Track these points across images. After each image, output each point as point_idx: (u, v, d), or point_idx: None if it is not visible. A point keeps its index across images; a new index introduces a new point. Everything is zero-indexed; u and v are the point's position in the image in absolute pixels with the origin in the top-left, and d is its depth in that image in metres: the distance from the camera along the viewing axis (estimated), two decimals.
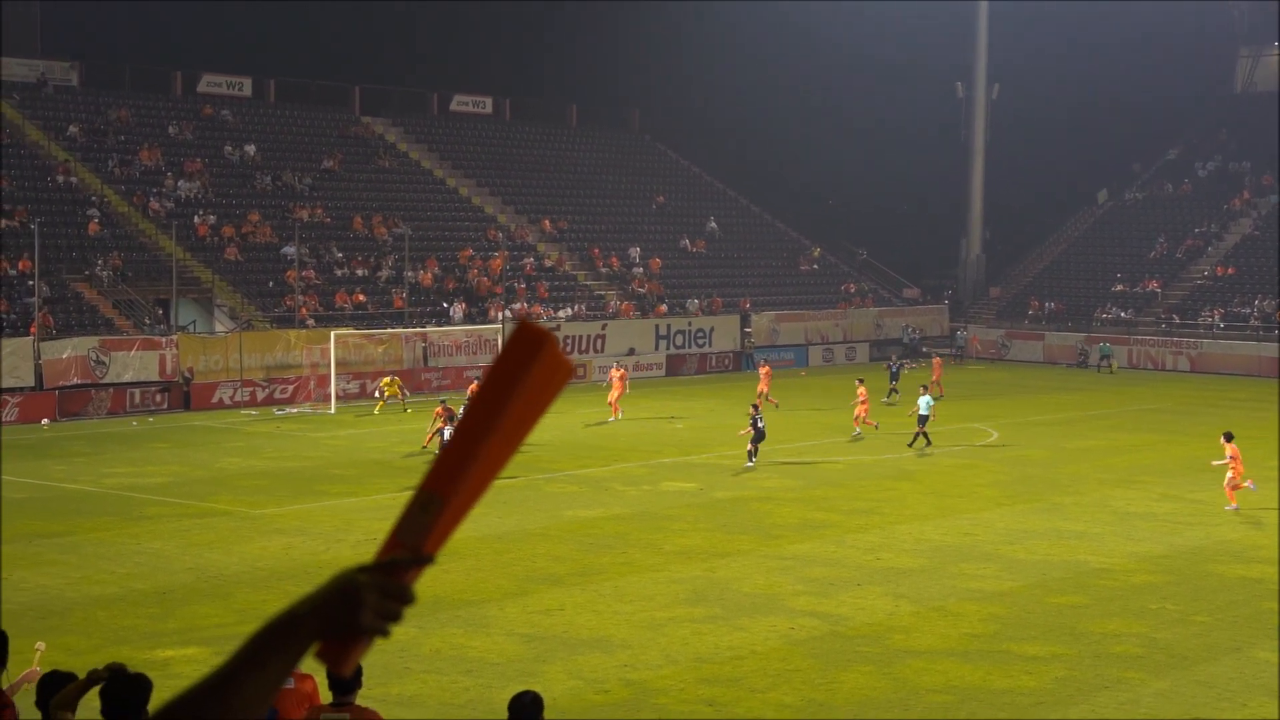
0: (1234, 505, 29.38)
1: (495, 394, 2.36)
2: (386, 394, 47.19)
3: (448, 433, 34.21)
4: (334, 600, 2.32)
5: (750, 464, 35.34)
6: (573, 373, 2.41)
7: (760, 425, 35.48)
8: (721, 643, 19.65)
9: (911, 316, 73.71)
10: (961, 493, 32.35)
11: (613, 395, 44.62)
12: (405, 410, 46.54)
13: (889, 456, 37.85)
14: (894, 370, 53.13)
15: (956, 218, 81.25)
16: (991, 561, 24.95)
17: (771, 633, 20.19)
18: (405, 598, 2.34)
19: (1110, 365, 64.14)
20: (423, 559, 2.37)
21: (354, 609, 2.30)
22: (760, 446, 35.62)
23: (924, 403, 38.67)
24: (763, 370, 49.22)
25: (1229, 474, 29.46)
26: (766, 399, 45.58)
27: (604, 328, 61.30)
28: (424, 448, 38.02)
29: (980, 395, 54.58)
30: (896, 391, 51.12)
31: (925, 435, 38.76)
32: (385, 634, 2.31)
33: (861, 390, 41.39)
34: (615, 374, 46.11)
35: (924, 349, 71.01)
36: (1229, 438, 29.89)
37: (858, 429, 41.29)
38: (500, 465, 2.37)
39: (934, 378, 51.26)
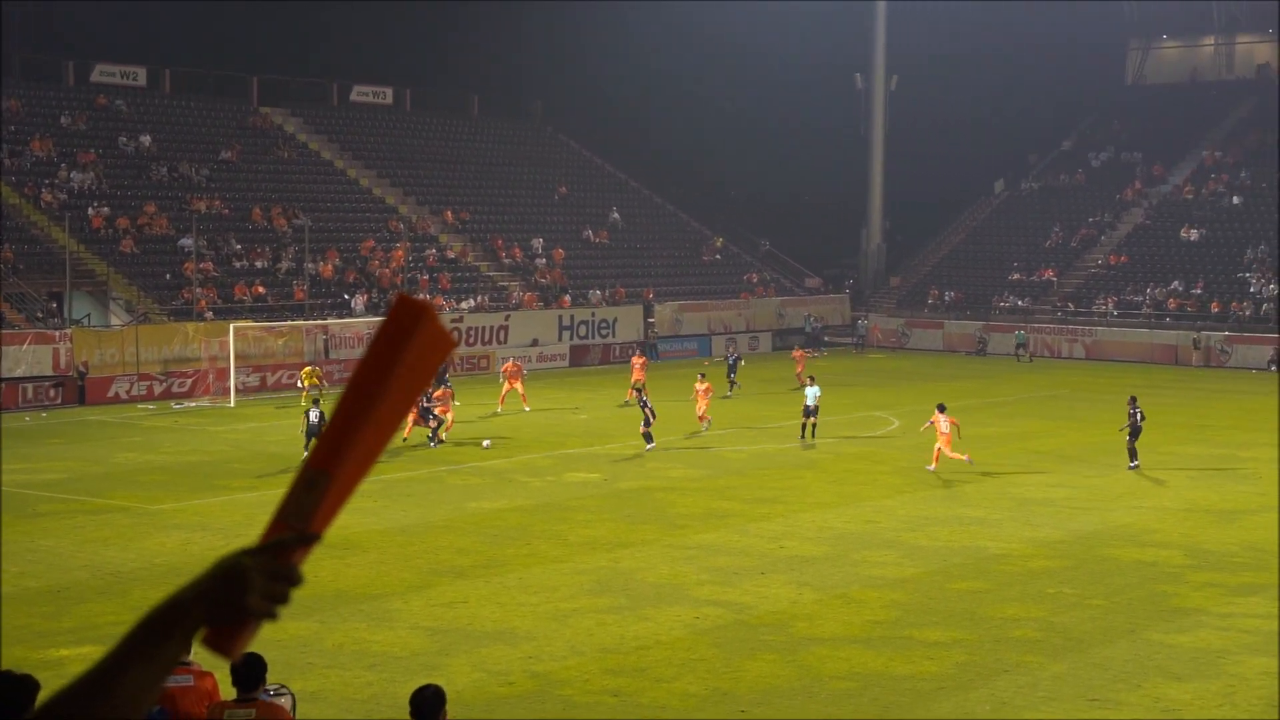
0: (933, 467, 33.24)
1: (377, 368, 2.33)
2: (306, 384, 46.45)
3: (314, 415, 33.96)
4: (219, 584, 2.27)
5: (650, 446, 35.90)
6: (453, 344, 2.39)
7: (650, 407, 36.27)
8: (626, 633, 19.64)
9: (813, 306, 74.24)
10: (863, 481, 32.61)
11: (505, 390, 44.40)
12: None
13: (791, 445, 38.05)
14: (731, 362, 52.55)
15: (857, 208, 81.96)
16: (893, 549, 25.17)
17: (676, 622, 20.21)
18: (293, 579, 2.29)
19: (1027, 354, 64.86)
20: (309, 537, 2.32)
21: (240, 592, 2.25)
22: (652, 432, 36.12)
23: (811, 394, 38.25)
24: (636, 361, 48.43)
25: (939, 444, 33.17)
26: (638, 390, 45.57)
27: (507, 319, 61.08)
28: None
29: (881, 384, 55.09)
30: (736, 384, 50.60)
31: (812, 428, 38.19)
32: (273, 617, 2.27)
33: (703, 385, 40.20)
34: (508, 367, 45.87)
35: (826, 338, 71.60)
36: (942, 408, 33.63)
37: (703, 425, 39.93)
38: (385, 439, 2.36)
39: (797, 370, 51.13)
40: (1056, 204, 79.02)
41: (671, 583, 22.56)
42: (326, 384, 46.59)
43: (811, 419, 38.11)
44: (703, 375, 41.73)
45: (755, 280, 74.82)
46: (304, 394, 45.92)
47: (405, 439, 36.74)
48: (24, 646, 18.61)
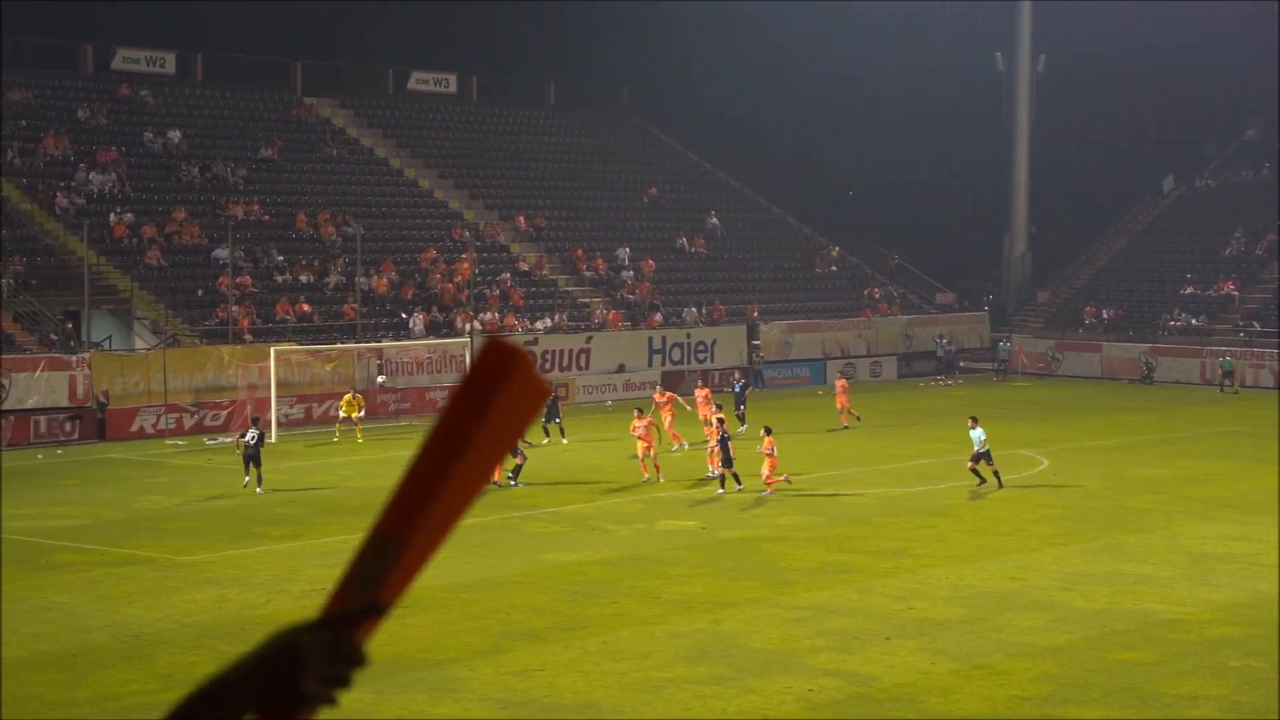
0: (769, 492, 35.90)
1: (461, 420, 2.36)
2: (345, 414, 46.97)
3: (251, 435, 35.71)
4: (271, 664, 2.28)
5: (719, 480, 36.75)
6: (548, 395, 2.42)
7: (725, 439, 36.69)
8: (729, 707, 19.59)
9: (946, 325, 73.79)
10: (1007, 531, 32.31)
11: (666, 422, 44.05)
12: (358, 439, 46.34)
13: (922, 488, 37.83)
14: (738, 391, 51.38)
15: (997, 211, 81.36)
16: (1043, 611, 24.91)
17: (787, 695, 20.13)
18: (356, 659, 2.30)
19: (1234, 384, 63.33)
20: (376, 609, 2.34)
21: (295, 674, 2.26)
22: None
23: (977, 436, 37.43)
24: (699, 394, 47.55)
25: (766, 468, 35.68)
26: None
27: (589, 341, 61.28)
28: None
29: (1027, 417, 54.58)
30: (743, 421, 48.71)
31: (996, 473, 37.29)
32: (333, 703, 2.28)
33: (641, 420, 39.23)
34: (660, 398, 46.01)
35: (961, 363, 71.14)
36: (768, 431, 36.10)
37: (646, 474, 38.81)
38: (467, 503, 2.38)
39: (839, 405, 50.38)
40: (1238, 204, 77.97)
41: (781, 649, 22.48)
42: (363, 413, 47.06)
43: (990, 465, 37.06)
44: (639, 411, 40.59)
45: (878, 296, 74.55)
46: (337, 425, 46.66)
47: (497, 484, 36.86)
48: (37, 718, 18.91)
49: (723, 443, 36.78)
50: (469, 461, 2.33)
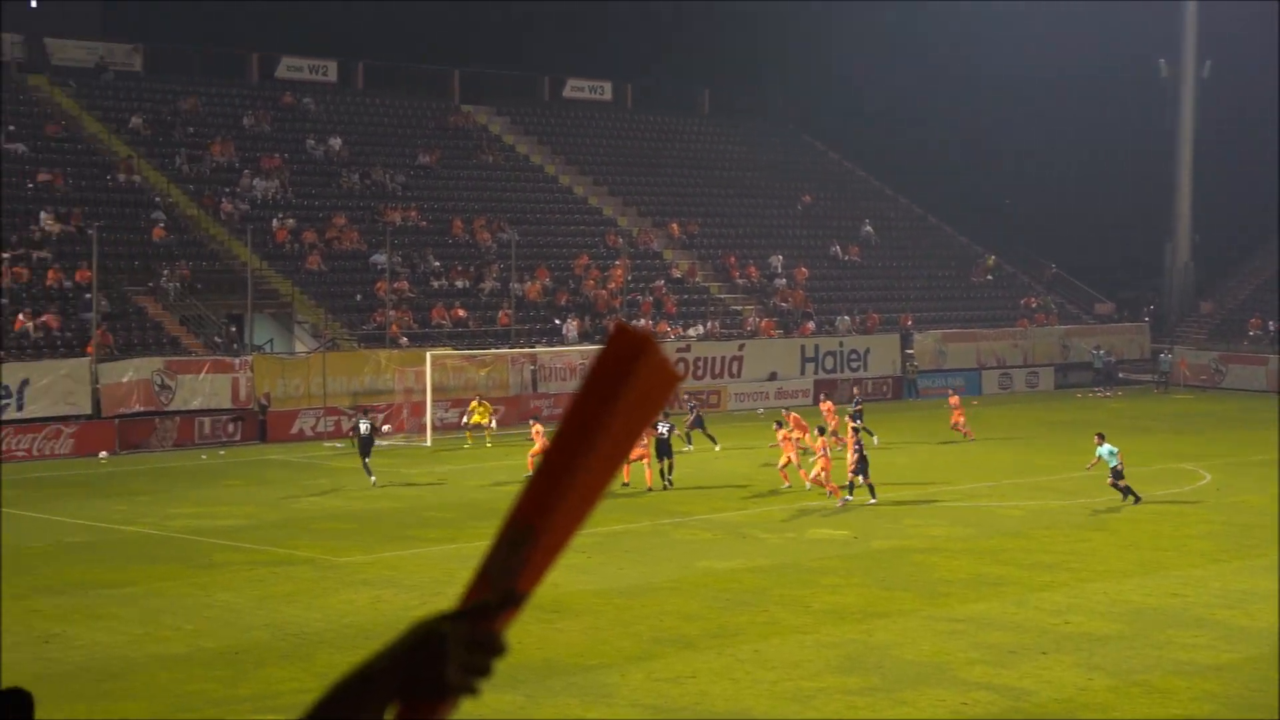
0: (788, 484, 37.63)
1: (592, 408, 2.37)
2: (474, 420, 47.44)
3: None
4: (413, 655, 2.31)
5: (849, 498, 35.98)
6: (678, 379, 2.40)
7: (860, 455, 36.04)
8: (881, 719, 19.44)
9: (1104, 336, 72.60)
10: (1168, 546, 31.73)
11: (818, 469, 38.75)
12: (486, 444, 46.71)
13: (1079, 502, 37.26)
14: (854, 411, 47.06)
15: (1159, 219, 79.93)
16: (1206, 628, 24.40)
17: (940, 708, 19.93)
18: (496, 647, 2.32)
19: None
20: (514, 598, 2.36)
21: (437, 664, 2.29)
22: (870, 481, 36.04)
23: (1106, 452, 36.42)
24: (825, 406, 47.20)
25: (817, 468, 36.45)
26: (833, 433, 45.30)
27: (741, 348, 61.18)
28: None
29: (1189, 430, 53.57)
30: (709, 439, 46.68)
31: (1127, 489, 36.51)
32: (474, 692, 2.30)
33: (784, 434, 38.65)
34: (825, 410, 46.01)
35: (1121, 374, 69.97)
36: (821, 431, 37.82)
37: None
38: (600, 491, 2.40)
39: (953, 420, 48.76)
40: None
41: (934, 661, 22.27)
42: (494, 423, 47.33)
43: (1122, 482, 36.28)
44: (779, 424, 39.72)
45: (1035, 305, 73.59)
46: (467, 433, 46.95)
47: (625, 484, 37.09)
48: (198, 715, 19.32)
49: (859, 452, 36.31)
50: (601, 450, 2.34)
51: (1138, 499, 36.05)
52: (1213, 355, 70.62)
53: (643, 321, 60.37)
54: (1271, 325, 71.62)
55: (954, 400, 50.16)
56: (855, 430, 37.83)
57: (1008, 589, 27.23)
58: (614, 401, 2.34)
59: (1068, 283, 78.31)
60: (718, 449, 45.78)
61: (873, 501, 35.89)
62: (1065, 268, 78.84)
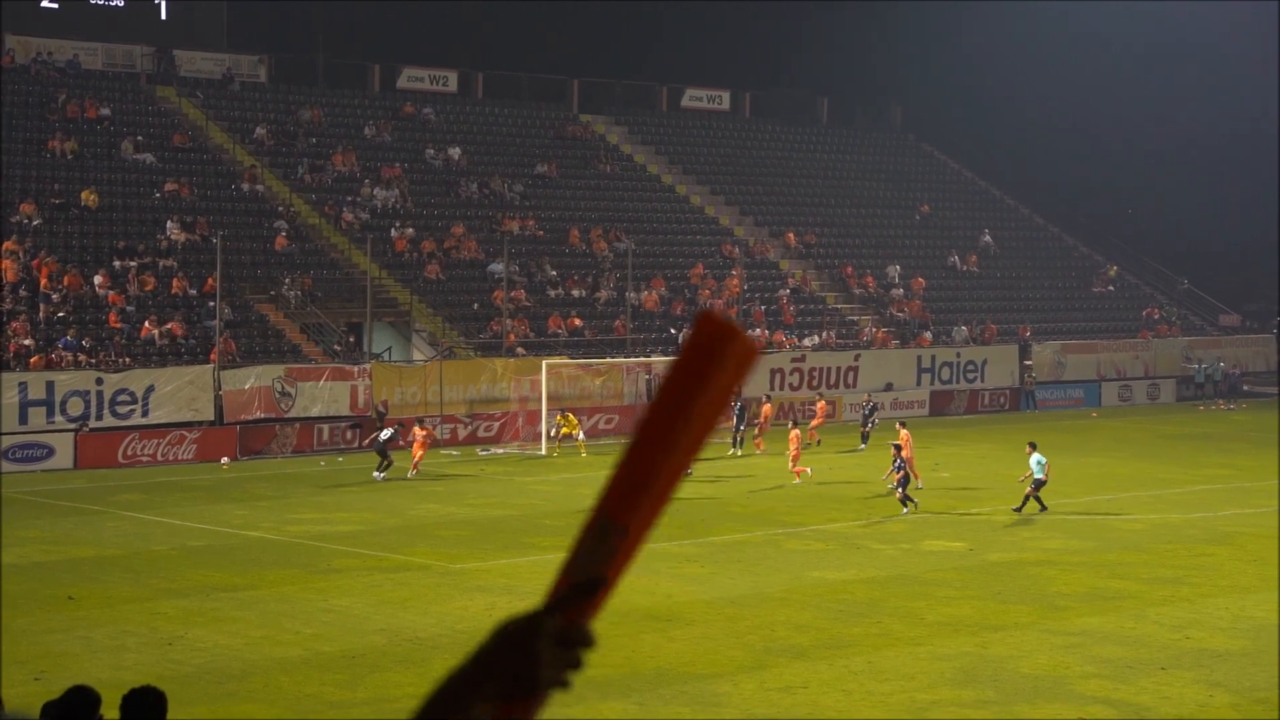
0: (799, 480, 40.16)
1: (679, 397, 2.37)
2: (564, 432, 47.48)
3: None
4: (505, 654, 2.33)
5: (906, 510, 35.85)
6: (757, 352, 2.41)
7: (900, 472, 35.83)
8: None
9: (1229, 348, 71.43)
10: None
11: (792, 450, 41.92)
12: (581, 454, 46.65)
13: (1200, 515, 36.72)
14: (866, 414, 50.33)
15: None
16: None
17: None
18: (586, 639, 2.35)
19: None
20: (600, 583, 2.38)
21: (530, 662, 2.31)
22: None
23: (1034, 463, 35.30)
24: (766, 409, 48.85)
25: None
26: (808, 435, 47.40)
27: (857, 358, 60.90)
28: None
29: None
30: (865, 441, 49.08)
31: (1035, 497, 35.53)
32: (567, 686, 2.33)
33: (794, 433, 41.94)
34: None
35: (1245, 387, 68.80)
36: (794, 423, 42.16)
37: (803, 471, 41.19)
38: (679, 478, 2.37)
39: (813, 422, 49.15)
40: None
41: (1051, 675, 22.04)
42: (583, 433, 47.34)
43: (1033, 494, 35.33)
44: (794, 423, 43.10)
45: (1157, 317, 72.57)
46: (557, 443, 46.98)
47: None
48: (317, 717, 19.54)
49: (900, 468, 36.13)
50: (689, 434, 2.35)
51: (1035, 506, 35.35)
52: None
53: (758, 331, 60.29)
54: None
55: (904, 436, 39.99)
56: (895, 446, 37.20)
57: (1126, 603, 26.88)
58: (701, 391, 2.35)
59: (1193, 294, 77.15)
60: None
61: (905, 512, 35.79)
62: (1190, 278, 77.66)
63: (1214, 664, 22.75)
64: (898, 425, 41.17)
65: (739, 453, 46.82)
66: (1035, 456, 35.43)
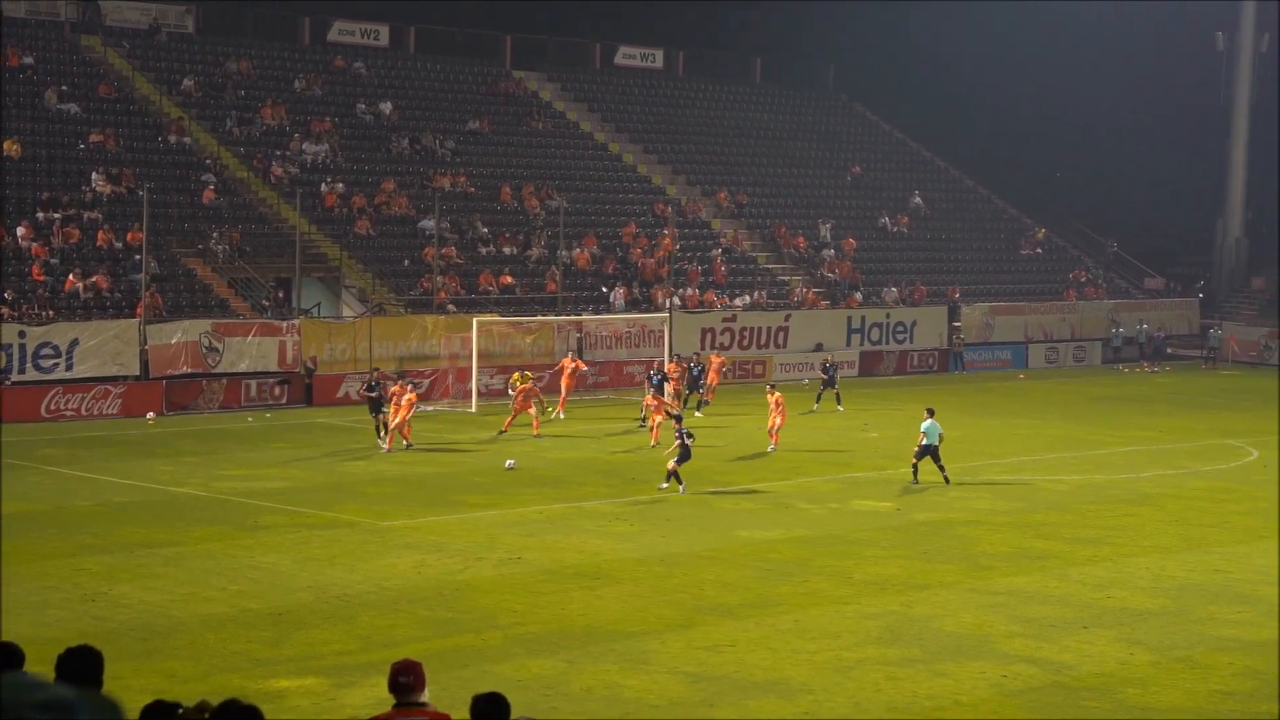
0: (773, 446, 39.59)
1: None
2: (519, 389, 46.61)
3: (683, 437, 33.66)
4: None
5: (664, 485, 33.59)
6: None
7: (687, 442, 33.55)
8: (920, 690, 19.45)
9: (1154, 311, 72.20)
10: (1213, 521, 31.59)
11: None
12: (548, 413, 45.74)
13: (1124, 476, 37.14)
14: (829, 374, 50.45)
15: (1212, 194, 79.31)
16: (1249, 605, 24.30)
17: (980, 680, 19.92)
18: None
19: None
20: None
21: None
22: (920, 463, 34.92)
23: (931, 429, 34.75)
24: (714, 360, 50.21)
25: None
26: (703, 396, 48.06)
27: (787, 319, 61.13)
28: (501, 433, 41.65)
29: (1237, 406, 53.29)
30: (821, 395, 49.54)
31: (915, 468, 35.17)
32: None
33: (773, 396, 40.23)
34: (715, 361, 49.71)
35: (1169, 349, 69.58)
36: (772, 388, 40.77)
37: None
38: None
39: (707, 382, 49.13)
40: None
41: (975, 634, 22.25)
42: (542, 394, 45.82)
43: (936, 462, 34.77)
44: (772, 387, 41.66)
45: (1083, 279, 73.17)
46: (516, 400, 45.20)
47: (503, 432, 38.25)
48: (241, 675, 19.47)
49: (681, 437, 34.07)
50: None
51: (915, 481, 34.82)
52: (1262, 331, 70.15)
53: (690, 291, 60.35)
54: None
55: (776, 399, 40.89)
56: (677, 417, 36.83)
57: (1050, 563, 27.17)
58: None
59: (1120, 257, 77.83)
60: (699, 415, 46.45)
61: (680, 489, 33.47)
62: (1115, 241, 78.32)
63: (1134, 623, 23.04)
64: (768, 388, 41.51)
65: (698, 414, 46.78)
66: (929, 422, 34.86)
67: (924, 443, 34.80)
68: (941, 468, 34.84)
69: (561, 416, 45.81)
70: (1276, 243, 78.02)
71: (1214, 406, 53.17)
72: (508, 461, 36.99)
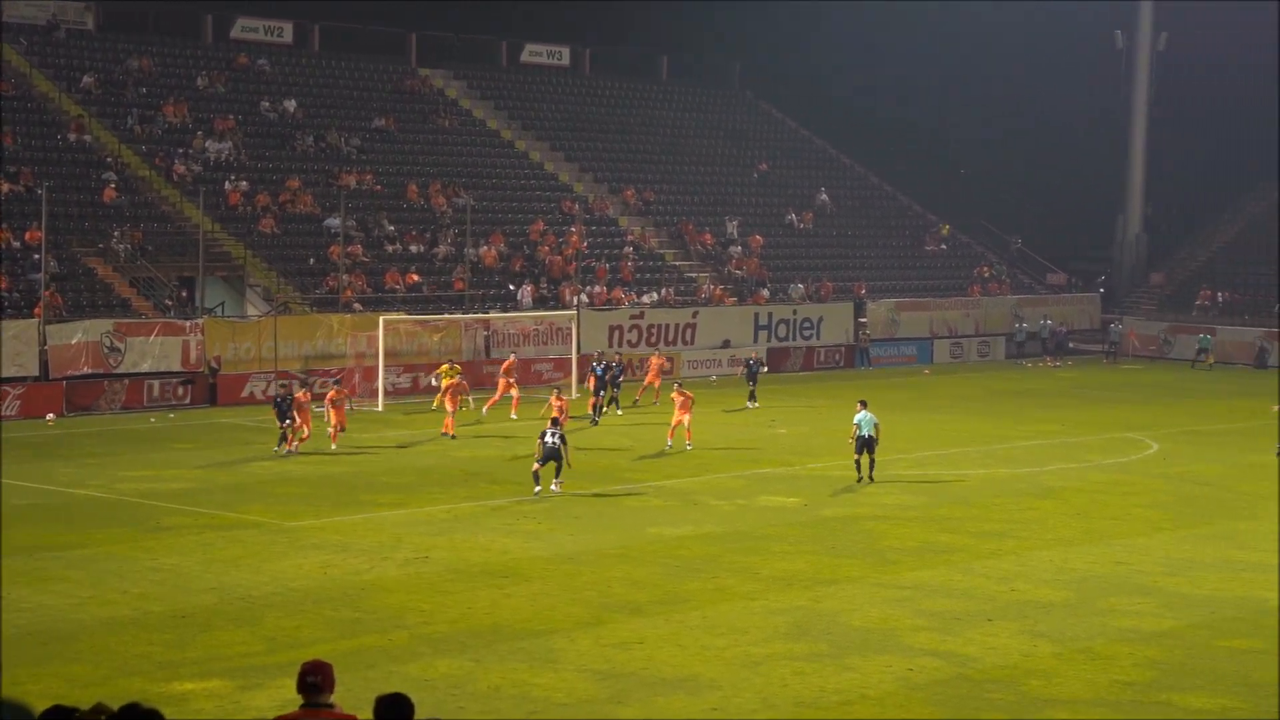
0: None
1: None
2: (445, 382, 46.39)
3: (551, 436, 32.42)
4: None
5: (537, 489, 32.49)
6: None
7: (548, 441, 32.14)
8: (827, 685, 19.54)
9: (1056, 306, 72.98)
10: (1113, 514, 31.97)
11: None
12: (470, 406, 45.45)
13: (1027, 470, 37.50)
14: (752, 369, 50.69)
15: (1112, 191, 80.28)
16: (1149, 596, 24.62)
17: (886, 674, 20.04)
18: None
19: (1207, 360, 64.54)
20: None
21: None
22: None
23: (865, 420, 34.51)
24: (654, 361, 50.40)
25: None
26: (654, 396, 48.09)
27: (695, 316, 61.24)
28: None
29: (1137, 400, 53.99)
30: (754, 398, 49.75)
31: (858, 464, 34.78)
32: None
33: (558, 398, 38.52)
34: (655, 362, 49.60)
35: (1071, 344, 70.37)
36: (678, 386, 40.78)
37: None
38: None
39: (647, 381, 49.56)
40: None
41: (881, 628, 22.39)
42: (469, 387, 45.66)
43: (870, 455, 34.55)
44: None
45: (988, 275, 73.85)
46: (436, 397, 45.03)
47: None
48: (144, 678, 19.24)
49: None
50: None
51: (871, 479, 34.53)
52: (1162, 326, 71.13)
53: (597, 288, 60.33)
54: (1221, 296, 72.11)
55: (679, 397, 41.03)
56: (554, 420, 34.23)
57: (955, 556, 27.40)
58: None
59: (1023, 254, 78.60)
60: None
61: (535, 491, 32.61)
62: (1019, 238, 79.07)
63: (1038, 615, 23.28)
64: (675, 386, 41.58)
65: (618, 411, 46.65)
66: (863, 414, 34.85)
67: (859, 434, 34.61)
68: (872, 464, 34.74)
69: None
70: (1175, 238, 79.23)
71: (1115, 400, 53.84)
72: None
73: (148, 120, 60.15)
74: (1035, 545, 28.52)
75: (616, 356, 50.44)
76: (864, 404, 35.48)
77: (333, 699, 10.02)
